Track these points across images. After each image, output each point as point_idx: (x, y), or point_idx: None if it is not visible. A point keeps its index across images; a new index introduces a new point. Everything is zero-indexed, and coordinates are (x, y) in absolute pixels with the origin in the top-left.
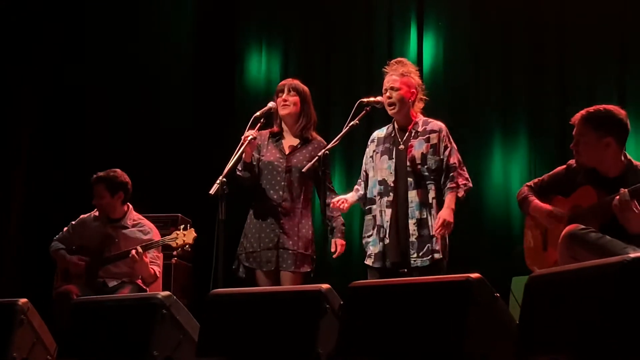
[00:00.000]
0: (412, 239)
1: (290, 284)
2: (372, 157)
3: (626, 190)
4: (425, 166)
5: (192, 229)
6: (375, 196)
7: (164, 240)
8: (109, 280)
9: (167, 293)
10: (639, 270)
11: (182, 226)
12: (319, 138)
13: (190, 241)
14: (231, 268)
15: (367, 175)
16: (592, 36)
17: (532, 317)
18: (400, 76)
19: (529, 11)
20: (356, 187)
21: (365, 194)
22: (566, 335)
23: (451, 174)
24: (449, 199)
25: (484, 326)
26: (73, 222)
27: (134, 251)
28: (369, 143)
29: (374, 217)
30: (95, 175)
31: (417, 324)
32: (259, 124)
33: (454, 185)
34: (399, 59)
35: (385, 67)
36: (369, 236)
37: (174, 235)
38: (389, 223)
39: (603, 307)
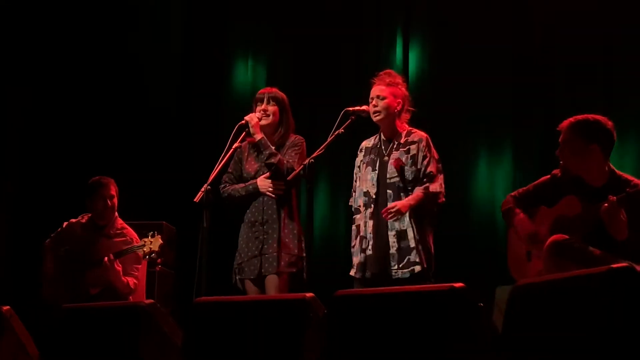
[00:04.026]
0: (392, 250)
1: (275, 286)
2: (359, 167)
3: (615, 198)
4: (404, 177)
5: (159, 236)
6: (360, 206)
7: (132, 248)
8: (91, 287)
9: (150, 301)
10: (623, 280)
11: (150, 233)
12: (293, 136)
13: (156, 248)
14: (214, 276)
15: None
16: (578, 45)
17: (516, 327)
18: (387, 86)
19: (515, 22)
20: (350, 204)
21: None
22: (550, 345)
23: (424, 180)
24: (414, 195)
25: (467, 336)
26: (63, 225)
27: (106, 258)
28: (358, 152)
29: (358, 227)
30: (97, 178)
31: (401, 333)
32: (243, 133)
33: (422, 187)
34: (387, 70)
35: (374, 77)
36: (352, 246)
37: (141, 242)
38: (371, 235)
39: (587, 317)
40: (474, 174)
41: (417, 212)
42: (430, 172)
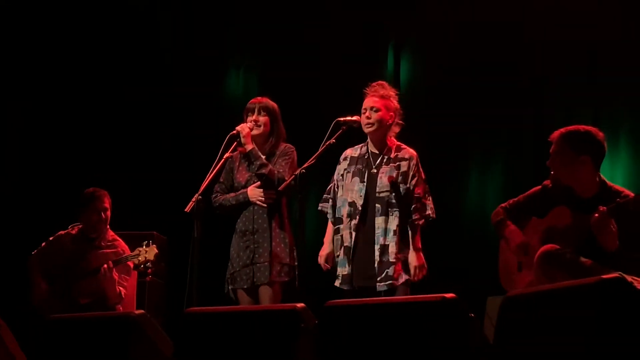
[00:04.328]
0: (375, 264)
1: (268, 296)
2: (342, 175)
3: (605, 208)
4: (394, 193)
5: (154, 245)
6: (342, 216)
7: (127, 257)
8: (81, 297)
9: (141, 311)
10: (614, 291)
11: (144, 242)
12: (283, 145)
13: (152, 258)
14: (205, 286)
15: (335, 192)
16: (568, 56)
17: (507, 337)
18: (380, 98)
19: (505, 33)
20: (324, 209)
21: (334, 214)
22: (541, 355)
23: (414, 205)
24: (416, 239)
25: (458, 346)
26: (50, 238)
27: (105, 265)
28: (340, 160)
29: (342, 237)
30: (92, 191)
31: (392, 344)
32: (235, 143)
33: (418, 217)
34: (380, 81)
35: (366, 88)
36: (337, 256)
37: (136, 252)
38: (354, 246)
39: (578, 328)
40: (465, 185)
41: (404, 228)
42: (418, 194)
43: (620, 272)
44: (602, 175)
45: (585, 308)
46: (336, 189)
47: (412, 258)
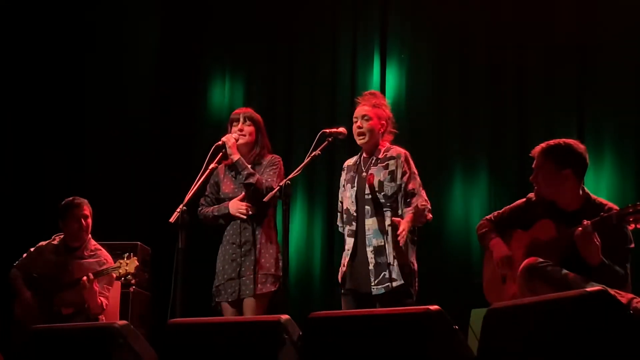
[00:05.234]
0: (371, 266)
1: (253, 308)
2: (343, 186)
3: (589, 222)
4: (382, 193)
5: (135, 257)
6: (346, 226)
7: (107, 270)
8: (63, 308)
9: (124, 322)
10: (596, 304)
11: (125, 255)
12: (270, 155)
13: (132, 270)
14: (190, 297)
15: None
16: (552, 68)
17: (491, 349)
18: (372, 107)
19: (490, 43)
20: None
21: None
22: None
23: (409, 200)
24: (408, 216)
25: (442, 358)
26: (31, 249)
27: (85, 277)
28: (341, 172)
29: (347, 247)
30: (71, 199)
31: (376, 355)
32: (220, 154)
33: (412, 207)
34: (371, 90)
35: (358, 97)
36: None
37: (117, 264)
38: (349, 251)
39: (561, 340)
40: (449, 196)
41: (395, 229)
42: (412, 189)
43: (603, 286)
44: (586, 189)
45: (568, 321)
46: (341, 203)
47: (404, 224)
